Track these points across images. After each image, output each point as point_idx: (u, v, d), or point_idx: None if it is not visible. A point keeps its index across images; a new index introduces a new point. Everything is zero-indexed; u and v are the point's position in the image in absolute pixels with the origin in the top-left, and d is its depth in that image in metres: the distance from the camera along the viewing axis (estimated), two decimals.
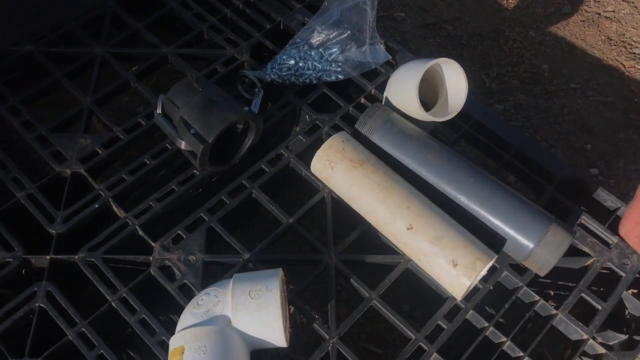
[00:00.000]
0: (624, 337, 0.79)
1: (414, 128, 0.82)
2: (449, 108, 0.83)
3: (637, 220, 0.66)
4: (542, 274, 0.75)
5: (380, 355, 0.95)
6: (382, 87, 0.90)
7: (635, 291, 0.81)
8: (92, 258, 0.76)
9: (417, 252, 0.73)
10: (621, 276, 0.79)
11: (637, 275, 0.79)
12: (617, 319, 0.81)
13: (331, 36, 0.93)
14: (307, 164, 0.83)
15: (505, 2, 1.62)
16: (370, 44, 0.95)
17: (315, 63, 0.92)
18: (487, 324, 0.74)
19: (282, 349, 0.67)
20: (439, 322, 0.74)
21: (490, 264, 0.72)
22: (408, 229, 0.73)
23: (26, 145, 0.88)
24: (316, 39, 0.93)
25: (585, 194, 0.86)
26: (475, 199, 0.76)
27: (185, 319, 0.64)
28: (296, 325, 0.92)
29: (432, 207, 0.75)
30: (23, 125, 0.88)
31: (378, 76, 0.95)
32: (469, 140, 0.93)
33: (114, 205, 0.81)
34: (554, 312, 0.75)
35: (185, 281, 0.74)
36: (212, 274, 0.77)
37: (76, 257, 0.76)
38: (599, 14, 1.61)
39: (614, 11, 1.61)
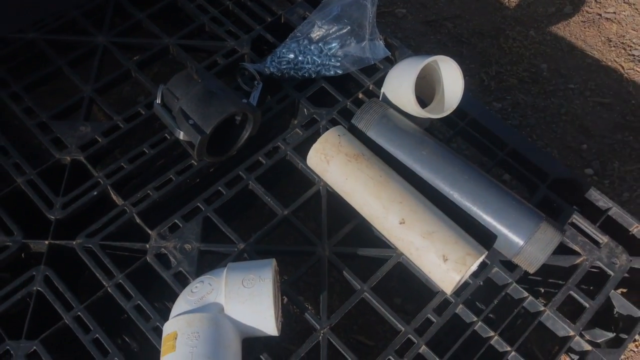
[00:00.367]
0: (611, 334, 0.81)
1: (409, 124, 0.83)
2: (445, 105, 0.85)
3: None
4: (531, 270, 0.76)
5: (370, 347, 0.96)
6: (380, 83, 0.91)
7: (624, 291, 0.82)
8: (89, 244, 0.77)
9: (409, 246, 0.74)
10: (610, 275, 0.80)
11: (626, 275, 0.81)
12: (605, 318, 0.83)
13: (331, 31, 0.94)
14: (304, 157, 0.84)
15: (506, 1, 1.63)
16: (369, 40, 0.96)
17: (314, 57, 0.93)
18: (476, 319, 0.75)
19: (274, 337, 0.68)
20: (429, 316, 0.75)
21: (481, 259, 0.73)
22: (401, 223, 0.74)
23: (27, 131, 0.89)
24: (316, 33, 0.94)
25: (578, 194, 0.87)
26: (468, 195, 0.77)
27: (179, 305, 0.66)
28: (289, 315, 0.93)
29: (425, 202, 0.76)
30: (24, 111, 0.89)
31: (377, 72, 0.96)
32: (465, 137, 0.94)
33: (112, 193, 0.83)
34: (542, 308, 0.77)
35: (181, 269, 0.76)
36: (207, 263, 0.78)
37: (74, 242, 0.78)
38: (600, 15, 1.61)
39: (614, 12, 1.62)
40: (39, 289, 0.74)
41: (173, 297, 0.71)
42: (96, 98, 0.92)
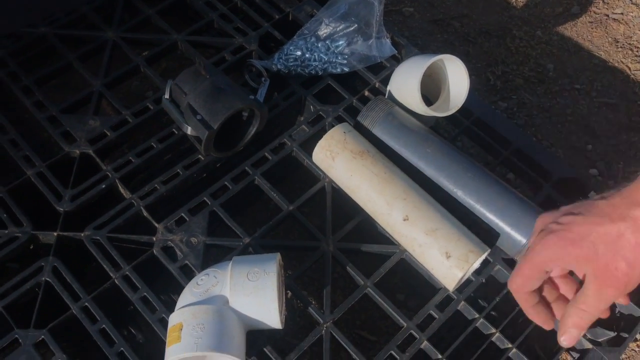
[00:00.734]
0: (612, 334, 0.81)
1: (415, 122, 0.84)
2: (450, 104, 0.85)
3: (530, 275, 0.60)
4: None
5: (373, 342, 0.97)
6: (386, 81, 0.92)
7: None
8: (97, 236, 0.79)
9: (412, 242, 0.75)
10: None
11: None
12: (607, 318, 0.83)
13: (338, 29, 0.95)
14: (310, 153, 0.85)
15: (513, 0, 1.63)
16: (376, 38, 0.97)
17: (321, 55, 0.94)
18: (477, 315, 0.76)
19: (278, 331, 0.69)
20: (431, 312, 0.76)
21: (483, 257, 0.74)
22: (404, 220, 0.75)
23: (37, 125, 0.91)
24: (323, 31, 0.95)
25: (582, 194, 0.87)
26: (472, 193, 0.78)
27: (185, 297, 0.67)
28: (293, 310, 0.94)
29: (429, 199, 0.77)
30: (35, 105, 0.91)
31: (383, 70, 0.97)
32: (470, 136, 0.94)
33: (120, 186, 0.84)
34: None
35: (187, 262, 0.77)
36: (213, 257, 0.79)
37: (82, 234, 0.79)
38: (607, 15, 1.61)
39: (622, 13, 1.62)
40: (47, 279, 0.76)
41: (178, 290, 0.72)
42: (105, 92, 0.93)
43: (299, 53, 0.94)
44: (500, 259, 0.80)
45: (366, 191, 0.78)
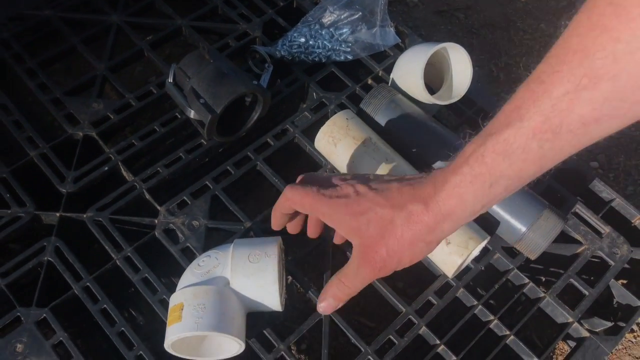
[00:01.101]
0: (609, 324, 0.82)
1: (417, 110, 0.84)
2: (453, 92, 0.85)
3: (299, 204, 0.59)
4: (532, 257, 0.77)
5: (372, 329, 0.98)
6: (389, 69, 0.92)
7: (624, 282, 0.83)
8: (99, 217, 0.79)
9: None
10: (610, 265, 0.81)
11: (626, 266, 0.82)
12: (604, 308, 0.84)
13: (342, 16, 0.95)
14: (312, 140, 0.85)
15: None
16: (380, 27, 0.97)
17: (325, 42, 0.94)
18: (476, 302, 0.77)
19: (278, 315, 0.70)
20: (430, 298, 0.76)
21: (483, 244, 0.74)
22: None
23: (41, 107, 0.91)
24: (328, 18, 0.95)
25: (582, 184, 0.88)
26: None
27: (186, 278, 0.67)
28: (293, 295, 0.94)
29: None
30: (39, 87, 0.91)
31: (386, 58, 0.97)
32: (472, 125, 0.94)
33: (122, 169, 0.84)
34: (542, 294, 0.78)
35: (188, 244, 0.77)
36: (214, 240, 0.80)
37: (84, 215, 0.79)
38: None
39: None
40: (49, 259, 0.76)
41: (179, 273, 0.73)
42: (109, 76, 0.93)
43: (302, 40, 0.95)
44: (500, 247, 0.80)
45: None
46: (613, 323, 0.82)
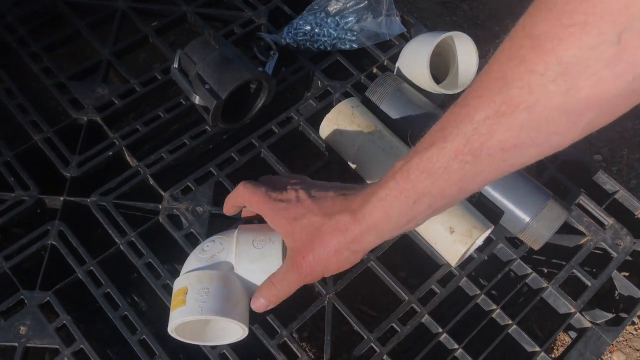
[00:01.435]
0: (611, 315, 0.82)
1: (422, 99, 0.84)
2: (458, 81, 0.85)
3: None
4: (536, 247, 0.77)
5: (374, 317, 0.98)
6: (395, 59, 0.92)
7: (627, 274, 0.84)
8: (103, 202, 0.79)
9: None
10: (613, 256, 0.81)
11: (628, 258, 0.82)
12: (606, 300, 0.84)
13: (348, 5, 0.95)
14: (316, 128, 0.85)
15: None
16: (386, 16, 0.96)
17: (330, 30, 0.94)
18: (479, 292, 0.77)
19: (281, 304, 0.69)
20: (432, 287, 0.76)
21: (487, 233, 0.74)
22: None
23: (45, 91, 0.91)
24: (333, 7, 0.95)
25: (586, 176, 0.88)
26: None
27: (190, 263, 0.67)
28: None
29: None
30: (43, 71, 0.91)
31: (392, 48, 0.97)
32: None
33: (127, 154, 0.84)
34: (545, 285, 0.78)
35: (192, 230, 0.77)
36: (218, 227, 0.80)
37: (88, 200, 0.79)
38: None
39: None
40: (53, 242, 0.76)
41: (182, 259, 0.73)
42: (114, 62, 0.93)
43: (308, 28, 0.94)
44: (503, 237, 0.80)
45: (372, 166, 0.78)
46: (614, 314, 0.82)
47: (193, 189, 0.81)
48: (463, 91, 0.84)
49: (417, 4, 1.55)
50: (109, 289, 0.73)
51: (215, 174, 0.82)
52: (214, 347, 0.70)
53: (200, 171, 0.82)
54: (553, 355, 0.99)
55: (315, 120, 0.86)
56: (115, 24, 0.97)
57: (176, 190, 0.80)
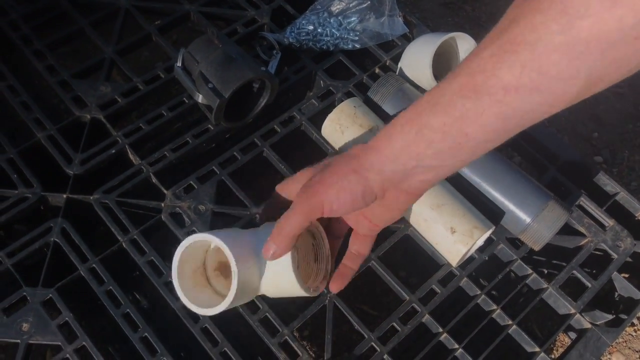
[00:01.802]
0: (610, 316, 0.83)
1: None
2: None
3: (276, 238, 0.59)
4: (536, 248, 0.77)
5: (374, 317, 0.98)
6: (397, 59, 0.92)
7: (626, 276, 0.84)
8: (106, 200, 0.79)
9: (418, 217, 0.75)
10: (613, 258, 0.81)
11: (629, 260, 0.82)
12: (606, 302, 0.84)
13: (351, 5, 0.95)
14: (318, 127, 0.85)
15: None
16: (389, 16, 0.96)
17: (333, 30, 0.94)
18: (479, 292, 0.77)
19: (283, 302, 0.69)
20: (433, 286, 0.77)
21: (488, 234, 0.75)
22: None
23: (48, 89, 0.91)
24: (336, 6, 0.95)
25: (587, 178, 0.88)
26: (479, 171, 0.78)
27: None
28: None
29: None
30: (47, 69, 0.91)
31: (394, 48, 0.97)
32: None
33: (129, 152, 0.84)
34: (545, 285, 0.78)
35: (194, 228, 0.78)
36: (220, 225, 0.80)
37: (91, 197, 0.80)
38: None
39: None
40: (56, 239, 0.76)
41: None
42: (117, 60, 0.93)
43: (311, 27, 0.95)
44: (504, 238, 0.81)
45: None
46: (614, 316, 0.82)
47: (195, 187, 0.81)
48: None
49: (419, 4, 1.55)
50: (111, 287, 0.74)
51: (218, 172, 0.83)
52: (215, 345, 0.70)
53: (203, 170, 0.83)
54: (553, 356, 1.00)
55: (318, 120, 0.86)
56: (118, 22, 0.97)
57: (179, 188, 0.81)
